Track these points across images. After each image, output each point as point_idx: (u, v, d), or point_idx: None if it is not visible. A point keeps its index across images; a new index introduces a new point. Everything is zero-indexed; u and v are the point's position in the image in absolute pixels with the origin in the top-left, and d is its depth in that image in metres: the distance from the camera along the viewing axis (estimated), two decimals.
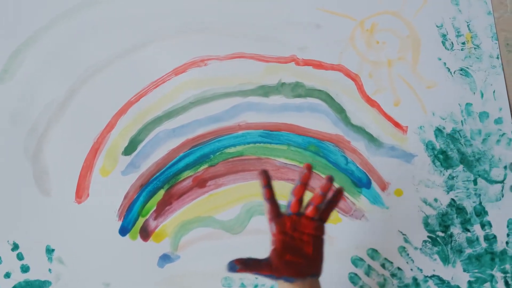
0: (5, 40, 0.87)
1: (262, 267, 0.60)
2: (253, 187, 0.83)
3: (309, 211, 0.64)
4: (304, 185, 0.64)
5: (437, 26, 0.86)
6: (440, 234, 0.82)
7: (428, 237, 0.82)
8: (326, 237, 0.82)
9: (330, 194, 0.66)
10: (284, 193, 0.83)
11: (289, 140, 0.84)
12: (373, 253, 0.81)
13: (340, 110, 0.85)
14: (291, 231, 0.63)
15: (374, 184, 0.83)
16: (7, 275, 0.81)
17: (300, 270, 0.61)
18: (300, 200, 0.64)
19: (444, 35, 0.86)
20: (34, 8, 0.88)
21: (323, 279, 0.81)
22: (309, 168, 0.64)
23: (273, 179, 0.82)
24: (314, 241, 0.64)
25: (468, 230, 0.82)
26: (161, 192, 0.83)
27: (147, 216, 0.83)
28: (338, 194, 0.67)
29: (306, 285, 0.62)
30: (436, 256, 0.81)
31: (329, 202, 0.66)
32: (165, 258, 0.82)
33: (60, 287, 0.81)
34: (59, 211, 0.83)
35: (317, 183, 0.83)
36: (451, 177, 0.83)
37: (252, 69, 0.86)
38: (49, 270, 0.82)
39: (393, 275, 0.81)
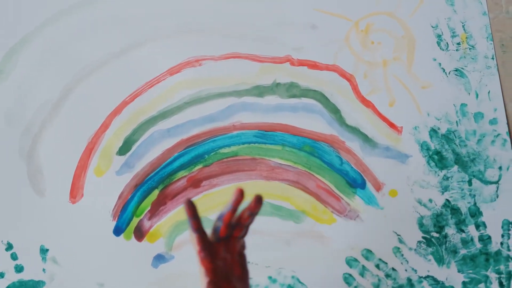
0: None
1: None
2: (248, 188, 0.83)
3: (237, 231, 0.63)
4: (235, 210, 0.62)
5: (432, 27, 0.86)
6: (435, 234, 0.82)
7: (423, 237, 0.82)
8: (321, 238, 0.82)
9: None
10: (278, 193, 0.83)
11: (284, 140, 0.84)
12: (368, 253, 0.81)
13: (335, 111, 0.85)
14: (228, 256, 0.62)
15: (368, 185, 0.83)
16: (1, 275, 0.81)
17: None
18: (229, 225, 0.63)
19: (439, 36, 0.86)
20: (29, 8, 0.88)
21: (317, 279, 0.81)
22: (242, 193, 0.62)
23: (267, 179, 0.83)
24: (241, 260, 0.63)
25: (463, 231, 0.82)
26: (156, 192, 0.83)
27: (142, 216, 0.83)
28: (257, 204, 0.63)
29: None
30: (430, 257, 0.81)
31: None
32: (159, 258, 0.82)
33: (54, 287, 0.81)
34: (53, 211, 0.83)
35: (312, 184, 0.83)
36: (446, 178, 0.83)
37: (247, 69, 0.86)
38: (43, 270, 0.82)
39: (387, 275, 0.81)
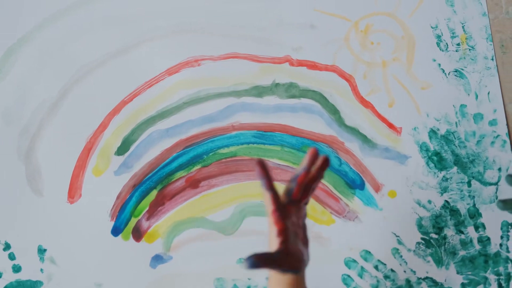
0: None
1: (277, 261, 0.56)
2: (246, 188, 0.83)
3: (305, 195, 0.62)
4: (309, 171, 0.62)
5: (432, 27, 0.86)
6: (434, 236, 0.81)
7: (422, 239, 0.81)
8: (320, 238, 0.82)
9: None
10: None
11: (283, 141, 0.84)
12: (366, 254, 0.81)
13: (334, 111, 0.85)
14: (295, 219, 0.61)
15: (367, 186, 0.83)
16: None
17: (302, 259, 0.59)
18: (302, 186, 0.62)
19: (439, 36, 0.86)
20: (27, 8, 0.87)
21: (316, 280, 0.81)
22: (316, 153, 0.62)
23: None
24: (304, 227, 0.62)
25: (462, 232, 0.81)
26: (154, 193, 0.83)
27: (140, 217, 0.82)
28: (326, 162, 0.64)
29: (303, 275, 0.61)
30: (429, 258, 0.81)
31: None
32: (158, 259, 0.82)
33: (52, 287, 0.81)
34: (51, 211, 0.83)
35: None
36: (445, 179, 0.82)
37: (246, 69, 0.86)
38: (41, 270, 0.81)
39: (386, 277, 0.81)
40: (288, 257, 0.57)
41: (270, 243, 0.60)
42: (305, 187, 0.62)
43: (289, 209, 0.61)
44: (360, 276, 0.81)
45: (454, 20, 0.86)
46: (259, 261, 0.54)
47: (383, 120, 0.84)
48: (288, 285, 0.59)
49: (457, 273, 0.81)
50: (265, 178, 0.59)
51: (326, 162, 0.63)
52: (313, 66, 0.86)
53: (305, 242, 0.61)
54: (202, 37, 0.87)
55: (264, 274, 0.81)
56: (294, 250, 0.58)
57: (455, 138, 0.83)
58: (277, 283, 0.60)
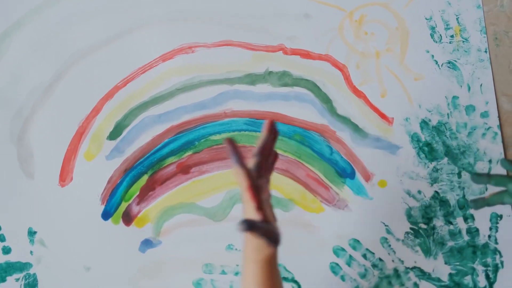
0: None
1: (266, 230, 0.57)
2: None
3: (270, 169, 0.64)
4: (269, 143, 0.63)
5: (426, 19, 0.86)
6: (423, 226, 0.82)
7: (411, 228, 0.82)
8: (309, 226, 0.82)
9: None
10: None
11: None
12: (355, 243, 0.81)
13: (326, 100, 0.85)
14: (266, 195, 0.61)
15: (358, 175, 0.83)
16: None
17: (279, 233, 0.59)
18: (266, 159, 0.63)
19: (433, 28, 0.86)
20: None
21: (304, 268, 0.81)
22: (273, 122, 0.63)
23: None
24: (271, 205, 0.62)
25: (451, 223, 0.82)
26: (145, 178, 0.83)
27: (130, 201, 0.83)
28: (273, 126, 0.64)
29: (277, 254, 0.61)
30: (418, 248, 0.81)
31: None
32: (147, 243, 0.82)
33: (41, 269, 0.81)
34: (42, 193, 0.83)
35: (301, 173, 0.83)
36: (436, 170, 0.83)
37: (239, 57, 0.86)
38: (31, 252, 0.82)
39: (374, 265, 0.81)
40: (272, 228, 0.58)
41: (246, 214, 0.59)
42: (266, 159, 0.63)
43: (261, 184, 0.61)
44: (348, 264, 0.81)
45: (449, 12, 0.86)
46: (253, 226, 0.55)
47: (375, 110, 0.84)
48: (266, 262, 0.59)
49: (445, 263, 0.81)
50: (236, 154, 0.59)
51: (277, 132, 0.64)
52: (306, 55, 0.86)
53: (275, 219, 0.61)
54: (197, 24, 0.87)
55: None
56: (274, 223, 0.59)
57: (446, 129, 0.83)
58: (253, 261, 0.60)
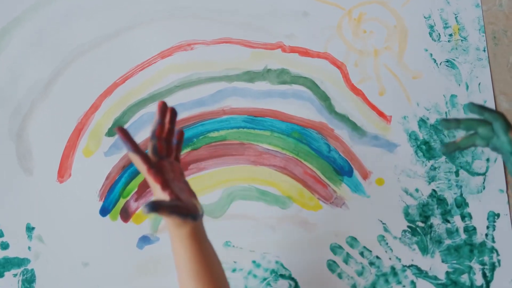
0: None
1: (174, 207, 0.57)
2: (235, 172, 0.83)
3: (170, 152, 0.64)
4: (163, 124, 0.64)
5: (425, 17, 0.86)
6: (420, 224, 0.82)
7: (408, 227, 0.82)
8: (306, 224, 0.82)
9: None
10: (265, 178, 0.83)
11: (273, 126, 0.84)
12: (352, 241, 0.81)
13: (324, 98, 0.85)
14: (172, 175, 0.62)
15: (356, 173, 0.83)
16: None
17: (196, 207, 0.60)
18: (162, 140, 0.64)
19: (431, 26, 0.86)
20: None
21: (301, 265, 0.81)
22: (164, 104, 0.64)
23: (254, 164, 0.83)
24: (186, 183, 0.63)
25: (448, 221, 0.82)
26: None
27: (128, 197, 0.83)
28: (172, 117, 0.66)
29: (202, 227, 0.62)
30: (415, 246, 0.81)
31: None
32: (145, 240, 0.82)
33: (39, 265, 0.82)
34: (41, 190, 0.83)
35: (299, 170, 0.83)
36: (433, 168, 0.83)
37: (238, 54, 0.86)
38: (29, 248, 0.82)
39: (371, 263, 0.81)
40: (183, 203, 0.58)
41: (157, 196, 0.60)
42: (166, 141, 0.64)
43: (162, 165, 0.62)
44: (346, 262, 0.81)
45: (447, 11, 0.86)
46: (157, 206, 0.55)
47: (373, 108, 0.85)
48: (189, 237, 0.59)
49: (442, 261, 0.81)
50: (129, 142, 0.60)
51: (173, 112, 0.65)
52: (305, 53, 0.86)
53: (193, 194, 0.61)
54: (195, 22, 0.87)
55: (250, 258, 0.81)
56: (185, 199, 0.59)
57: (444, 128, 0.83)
58: (178, 238, 0.60)
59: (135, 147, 0.60)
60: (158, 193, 0.59)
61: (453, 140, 0.67)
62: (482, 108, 0.64)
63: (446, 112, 0.84)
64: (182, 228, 0.59)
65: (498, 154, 0.65)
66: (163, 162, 0.62)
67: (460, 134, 0.83)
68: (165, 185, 0.58)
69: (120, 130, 0.60)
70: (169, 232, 0.61)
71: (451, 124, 0.64)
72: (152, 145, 0.63)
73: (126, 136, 0.60)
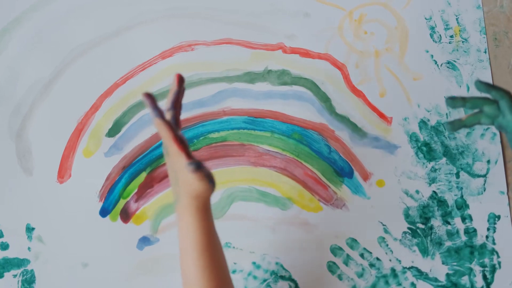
0: None
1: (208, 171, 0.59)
2: (235, 173, 0.83)
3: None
4: (181, 94, 0.65)
5: (426, 19, 0.86)
6: (420, 226, 0.82)
7: (408, 228, 0.82)
8: (307, 225, 0.82)
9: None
10: (265, 180, 0.83)
11: (273, 127, 0.84)
12: (353, 242, 0.81)
13: (325, 99, 0.85)
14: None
15: (356, 174, 0.83)
16: None
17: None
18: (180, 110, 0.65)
19: (432, 28, 0.86)
20: None
21: (301, 267, 0.81)
22: (182, 77, 0.65)
23: (254, 166, 0.83)
24: None
25: (449, 223, 0.82)
26: (143, 175, 0.83)
27: (128, 198, 0.83)
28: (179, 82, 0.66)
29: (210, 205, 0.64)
30: (415, 248, 0.81)
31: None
32: (145, 241, 0.82)
33: (39, 265, 0.81)
34: (40, 190, 0.83)
35: (299, 171, 0.83)
36: (434, 170, 0.83)
37: (239, 55, 0.86)
38: (28, 248, 0.82)
39: (371, 265, 0.81)
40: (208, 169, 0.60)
41: (180, 173, 0.60)
42: (179, 113, 0.65)
43: (182, 135, 0.62)
44: (346, 263, 0.81)
45: (448, 12, 0.86)
46: (201, 164, 0.57)
47: (374, 109, 0.84)
48: (202, 209, 0.61)
49: (443, 263, 0.81)
50: (157, 108, 0.59)
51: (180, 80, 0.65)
52: (306, 54, 0.86)
53: None
54: (196, 22, 0.87)
55: (250, 259, 0.81)
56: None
57: (445, 129, 0.83)
58: (191, 210, 0.61)
59: (162, 114, 0.60)
60: (181, 162, 0.59)
61: (459, 117, 0.66)
62: (489, 86, 0.64)
63: (447, 114, 0.84)
64: (198, 199, 0.61)
65: (503, 132, 0.65)
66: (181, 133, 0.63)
67: (462, 136, 0.83)
68: (190, 154, 0.59)
69: (147, 96, 0.60)
70: (180, 208, 0.62)
71: (457, 102, 0.64)
72: (173, 115, 0.63)
73: (154, 103, 0.60)
